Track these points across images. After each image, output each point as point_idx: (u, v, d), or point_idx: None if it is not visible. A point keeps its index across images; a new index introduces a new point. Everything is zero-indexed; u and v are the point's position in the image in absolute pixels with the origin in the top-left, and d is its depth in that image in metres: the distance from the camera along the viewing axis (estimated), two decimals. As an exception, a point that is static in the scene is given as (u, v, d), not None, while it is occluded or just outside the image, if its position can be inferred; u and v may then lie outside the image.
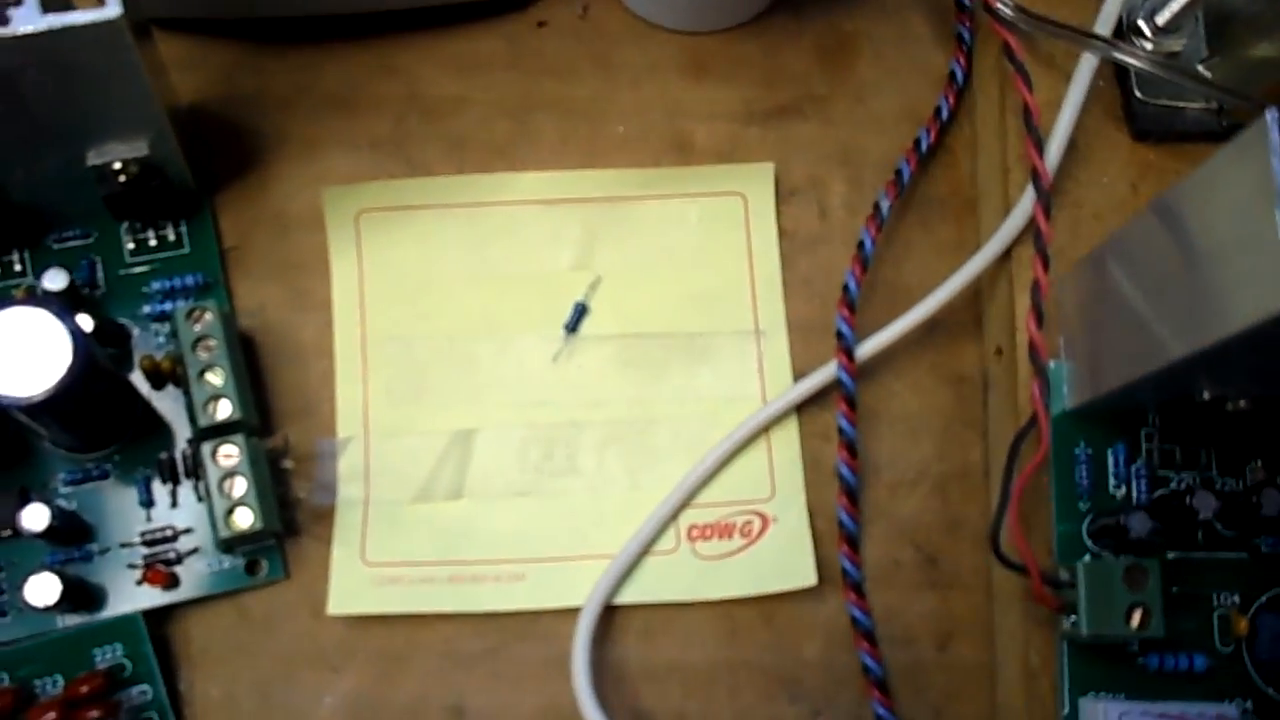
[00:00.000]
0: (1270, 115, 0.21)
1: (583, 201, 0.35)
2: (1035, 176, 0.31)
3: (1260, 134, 0.22)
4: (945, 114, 0.35)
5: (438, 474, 0.33)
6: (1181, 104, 0.33)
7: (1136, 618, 0.28)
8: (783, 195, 0.36)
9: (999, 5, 0.32)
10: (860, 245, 0.33)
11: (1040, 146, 0.31)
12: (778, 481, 0.34)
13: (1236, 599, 0.30)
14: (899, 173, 0.34)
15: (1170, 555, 0.30)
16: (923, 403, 0.35)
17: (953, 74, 0.36)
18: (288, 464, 0.32)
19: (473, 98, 0.36)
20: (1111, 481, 0.31)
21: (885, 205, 0.34)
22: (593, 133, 0.36)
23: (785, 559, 0.33)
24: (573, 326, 0.34)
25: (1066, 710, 0.30)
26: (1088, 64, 0.32)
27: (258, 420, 0.33)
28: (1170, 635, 0.29)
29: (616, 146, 0.36)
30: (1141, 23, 0.33)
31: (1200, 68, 0.33)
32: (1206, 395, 0.27)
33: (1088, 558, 0.30)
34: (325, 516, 0.33)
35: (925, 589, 0.33)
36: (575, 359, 0.34)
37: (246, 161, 0.35)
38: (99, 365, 0.29)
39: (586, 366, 0.34)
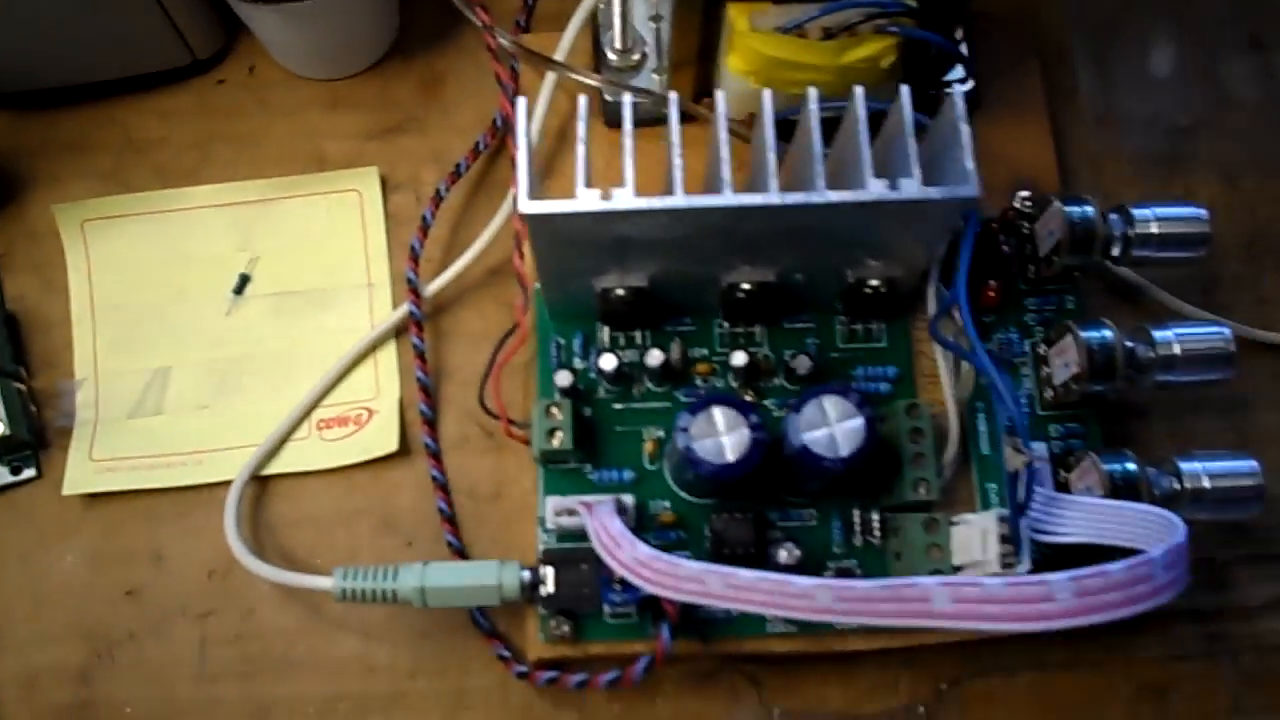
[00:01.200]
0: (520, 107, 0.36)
1: (245, 203, 0.50)
2: (513, 164, 0.45)
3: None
4: (499, 122, 0.50)
5: (145, 398, 0.48)
6: (636, 100, 0.47)
7: (556, 438, 0.41)
8: (391, 188, 0.50)
9: (496, 39, 0.47)
10: (423, 218, 0.48)
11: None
12: (380, 385, 0.48)
13: (660, 432, 0.44)
14: (457, 166, 0.49)
15: (618, 406, 0.44)
16: (485, 324, 0.48)
17: (505, 91, 0.50)
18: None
19: (171, 137, 0.51)
20: (576, 359, 0.45)
21: (444, 189, 0.48)
22: (256, 154, 0.51)
23: (382, 437, 0.47)
24: (239, 290, 0.49)
25: (542, 512, 0.43)
26: (549, 80, 0.46)
27: (13, 367, 0.47)
28: (612, 457, 0.43)
29: (272, 162, 0.51)
30: (606, 46, 0.48)
31: (654, 74, 0.48)
32: (600, 287, 0.41)
33: (553, 409, 0.44)
34: (67, 434, 0.47)
35: (486, 454, 0.47)
36: (241, 312, 0.49)
37: (10, 193, 0.50)
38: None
39: (249, 317, 0.49)
